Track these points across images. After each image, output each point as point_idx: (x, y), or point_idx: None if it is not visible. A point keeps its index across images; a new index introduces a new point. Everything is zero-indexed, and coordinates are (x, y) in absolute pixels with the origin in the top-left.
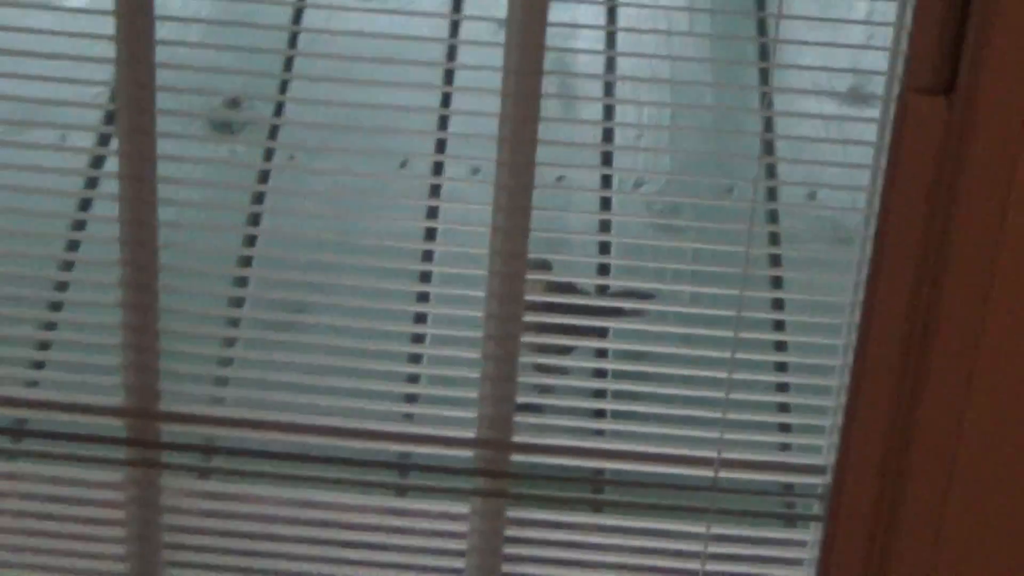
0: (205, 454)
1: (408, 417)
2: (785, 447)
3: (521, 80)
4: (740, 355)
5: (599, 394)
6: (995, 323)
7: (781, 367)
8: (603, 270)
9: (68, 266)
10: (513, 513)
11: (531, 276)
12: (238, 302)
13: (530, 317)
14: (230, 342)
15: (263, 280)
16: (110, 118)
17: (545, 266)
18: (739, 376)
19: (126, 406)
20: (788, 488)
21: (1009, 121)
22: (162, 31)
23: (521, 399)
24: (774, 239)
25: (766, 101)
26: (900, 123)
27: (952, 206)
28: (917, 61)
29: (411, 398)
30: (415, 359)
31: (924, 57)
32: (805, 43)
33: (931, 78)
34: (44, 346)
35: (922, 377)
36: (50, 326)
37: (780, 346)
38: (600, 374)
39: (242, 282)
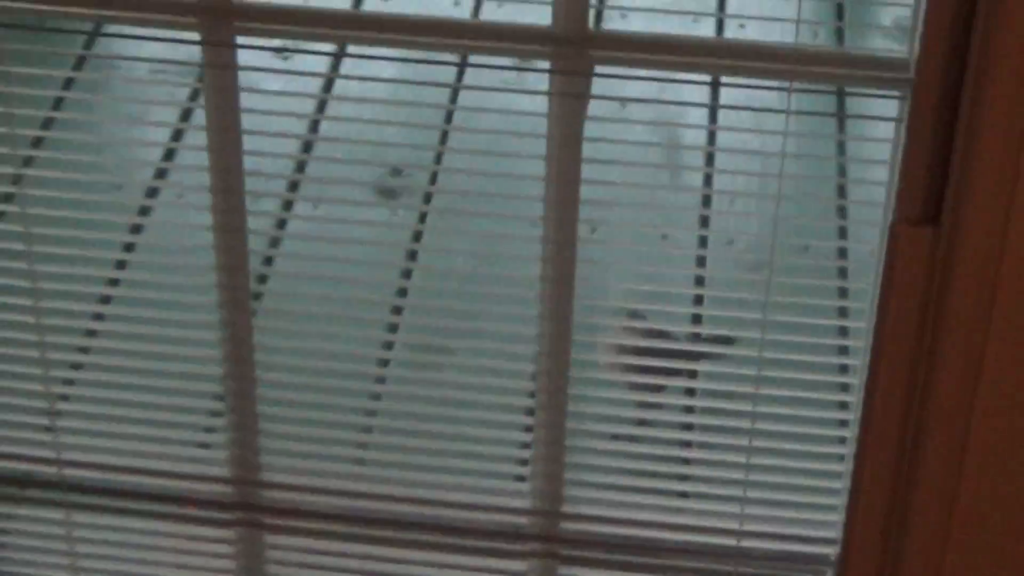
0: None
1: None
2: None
3: (563, 149)
4: (757, 443)
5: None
6: (980, 434)
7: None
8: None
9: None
10: (564, 571)
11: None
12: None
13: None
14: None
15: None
16: None
17: (638, 315)
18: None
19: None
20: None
21: (990, 249)
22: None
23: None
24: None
25: None
26: (891, 251)
27: (938, 327)
28: (905, 194)
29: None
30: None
31: (911, 190)
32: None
33: (918, 210)
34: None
35: (916, 468)
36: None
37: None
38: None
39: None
